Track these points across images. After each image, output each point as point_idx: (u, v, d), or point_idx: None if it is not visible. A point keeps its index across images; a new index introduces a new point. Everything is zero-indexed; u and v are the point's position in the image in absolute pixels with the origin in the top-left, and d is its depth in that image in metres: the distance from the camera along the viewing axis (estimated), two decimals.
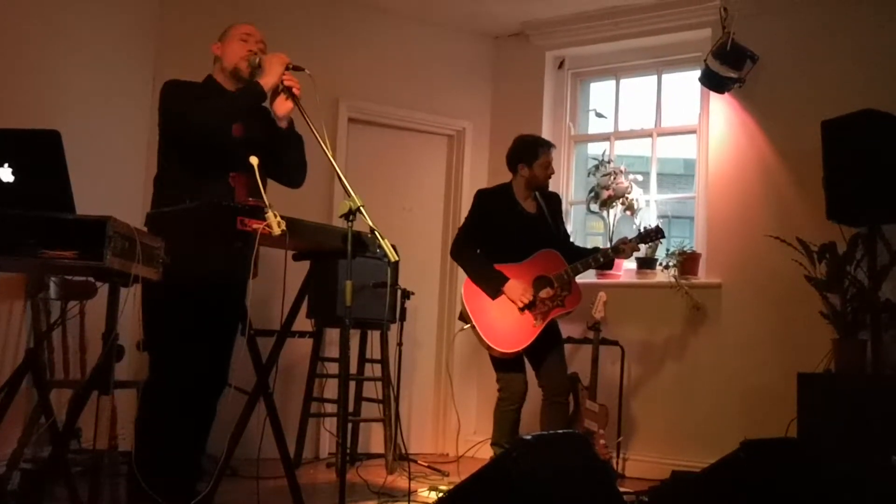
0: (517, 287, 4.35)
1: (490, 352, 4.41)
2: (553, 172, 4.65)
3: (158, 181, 3.42)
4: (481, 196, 4.63)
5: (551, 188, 5.04)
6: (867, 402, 4.06)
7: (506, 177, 4.69)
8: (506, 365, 4.43)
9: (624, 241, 4.65)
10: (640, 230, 4.77)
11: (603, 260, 4.57)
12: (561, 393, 4.50)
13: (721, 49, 5.06)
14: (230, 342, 3.48)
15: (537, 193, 4.64)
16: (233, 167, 3.33)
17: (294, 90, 3.31)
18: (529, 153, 4.56)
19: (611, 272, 5.52)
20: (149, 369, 3.36)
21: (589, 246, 5.57)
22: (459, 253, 4.54)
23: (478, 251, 4.50)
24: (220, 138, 3.29)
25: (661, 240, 4.89)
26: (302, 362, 5.24)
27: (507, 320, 4.35)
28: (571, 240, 5.03)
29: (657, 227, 4.78)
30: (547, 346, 4.43)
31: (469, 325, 4.39)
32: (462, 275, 4.60)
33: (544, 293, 4.40)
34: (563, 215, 5.03)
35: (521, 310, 4.35)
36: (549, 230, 4.59)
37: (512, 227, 4.52)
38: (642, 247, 4.88)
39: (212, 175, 3.31)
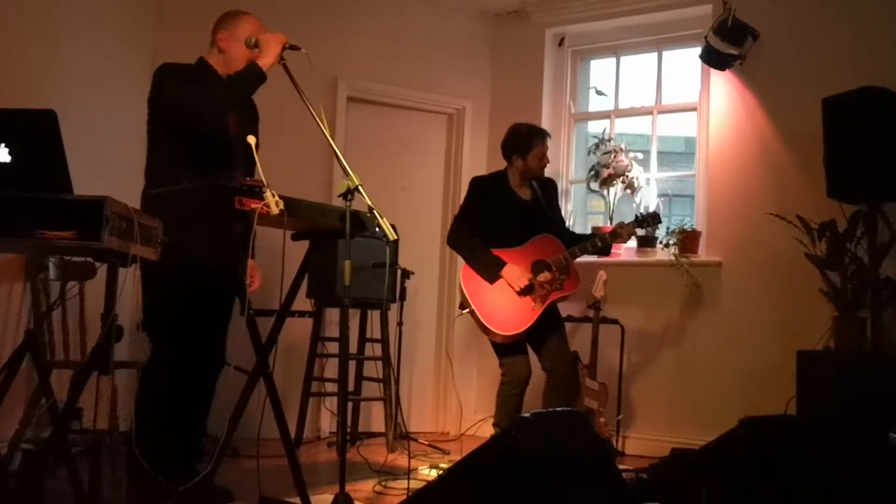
0: (515, 270, 4.34)
1: (491, 336, 4.40)
2: (548, 162, 4.62)
3: (151, 167, 3.36)
4: (476, 183, 4.61)
5: (551, 167, 5.02)
6: (866, 379, 4.06)
7: None
8: (508, 349, 4.43)
9: (621, 225, 4.64)
10: (637, 215, 4.75)
11: (600, 244, 4.54)
12: (564, 375, 4.48)
13: (722, 26, 5.03)
14: (227, 322, 3.48)
15: (533, 180, 4.62)
16: (232, 156, 3.30)
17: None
18: (523, 145, 4.52)
19: (611, 251, 5.50)
20: (150, 350, 3.36)
21: (589, 225, 5.58)
22: (456, 240, 4.52)
23: (474, 237, 4.49)
24: (218, 127, 3.27)
25: (659, 224, 4.87)
26: (302, 342, 5.24)
27: (506, 304, 4.34)
28: (569, 220, 5.02)
29: (654, 212, 4.77)
30: (548, 329, 4.43)
31: (468, 311, 4.38)
32: None
33: (542, 277, 4.39)
34: (560, 197, 5.01)
35: (520, 293, 4.34)
36: (545, 217, 4.57)
37: (507, 214, 4.50)
38: (640, 230, 4.86)
39: (211, 161, 3.28)
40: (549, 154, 4.70)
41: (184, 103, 3.20)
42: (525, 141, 4.53)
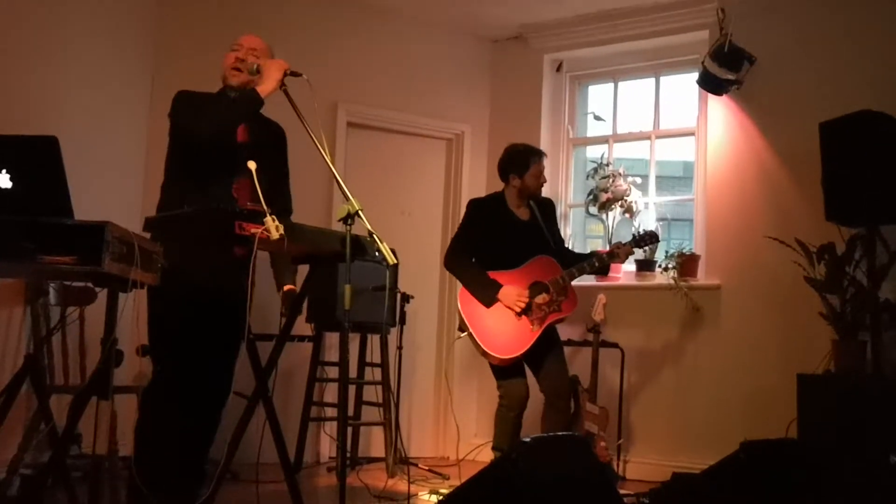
0: (512, 293, 4.34)
1: (488, 359, 4.39)
2: (545, 181, 4.64)
3: (164, 188, 3.42)
4: (474, 205, 4.62)
5: (550, 191, 5.03)
6: (867, 402, 4.05)
7: None
8: (505, 372, 4.42)
9: (618, 245, 4.64)
10: (634, 234, 4.75)
11: (598, 265, 4.52)
12: (562, 396, 4.48)
13: (719, 51, 5.07)
14: (233, 351, 3.46)
15: (531, 200, 4.63)
16: (236, 174, 3.34)
17: None
18: (520, 164, 4.54)
19: (610, 274, 5.51)
20: (151, 374, 3.36)
21: (588, 249, 5.57)
22: (453, 263, 4.53)
23: (472, 260, 4.49)
24: (223, 145, 3.30)
25: (657, 244, 4.87)
26: (302, 366, 5.24)
27: (504, 327, 4.34)
28: (568, 244, 5.02)
29: (652, 231, 4.76)
30: (546, 350, 4.42)
31: (466, 334, 4.37)
32: None
33: (540, 299, 4.38)
34: (559, 220, 5.01)
35: (518, 315, 4.34)
36: (543, 237, 4.57)
37: (505, 235, 4.51)
38: (638, 250, 4.86)
39: (215, 182, 3.32)
40: (548, 178, 4.72)
41: (183, 125, 3.26)
42: (522, 159, 4.55)
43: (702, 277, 5.30)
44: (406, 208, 6.05)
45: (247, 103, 3.30)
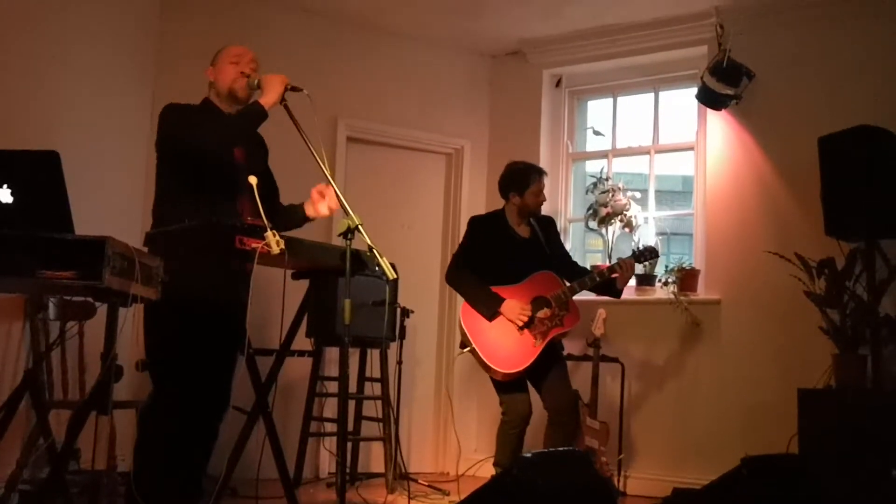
0: (515, 306, 4.33)
1: (492, 374, 4.37)
2: (545, 199, 4.64)
3: (158, 206, 3.39)
4: (474, 223, 4.63)
5: (549, 206, 5.03)
6: (868, 416, 4.05)
7: None
8: (508, 387, 4.40)
9: (620, 259, 4.63)
10: (634, 250, 4.74)
11: (599, 279, 4.51)
12: (564, 413, 4.44)
13: (717, 66, 5.09)
14: (231, 364, 3.46)
15: (531, 218, 4.63)
16: (237, 192, 3.33)
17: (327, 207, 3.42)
18: (520, 182, 4.55)
19: None
20: (151, 389, 3.35)
21: (588, 264, 5.57)
22: (454, 278, 4.52)
23: (473, 275, 4.48)
24: (222, 160, 3.29)
25: (657, 259, 4.86)
26: (301, 381, 5.23)
27: (506, 341, 4.32)
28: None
29: (652, 246, 4.74)
30: (548, 366, 4.40)
31: (469, 349, 4.35)
32: None
33: (542, 313, 4.38)
34: (561, 236, 5.00)
35: (521, 328, 4.33)
36: (544, 254, 4.57)
37: (506, 252, 4.51)
38: (638, 265, 4.84)
39: (213, 200, 3.31)
40: (548, 193, 4.72)
41: (186, 139, 3.23)
42: (522, 178, 4.56)
43: (702, 292, 5.30)
44: (406, 223, 6.05)
45: (253, 118, 3.28)
